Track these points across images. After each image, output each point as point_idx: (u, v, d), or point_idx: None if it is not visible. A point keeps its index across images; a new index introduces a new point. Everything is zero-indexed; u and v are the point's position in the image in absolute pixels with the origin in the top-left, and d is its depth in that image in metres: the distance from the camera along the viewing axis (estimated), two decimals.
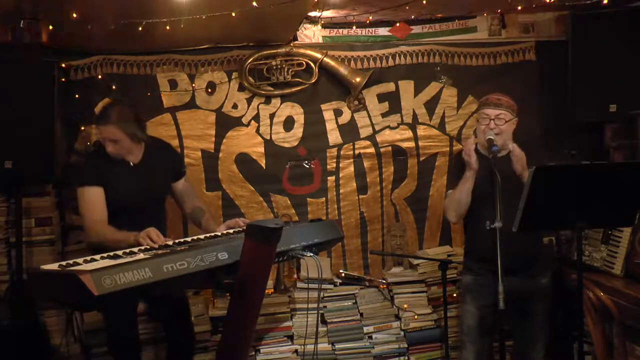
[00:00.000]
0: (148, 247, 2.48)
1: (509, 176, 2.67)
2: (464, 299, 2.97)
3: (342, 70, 3.85)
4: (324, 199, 3.98)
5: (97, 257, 2.22)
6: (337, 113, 3.96)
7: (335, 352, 3.57)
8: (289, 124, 3.93)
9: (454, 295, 3.62)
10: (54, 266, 2.12)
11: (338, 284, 3.71)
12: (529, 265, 2.82)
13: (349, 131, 3.96)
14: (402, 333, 3.65)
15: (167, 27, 3.13)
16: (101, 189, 2.87)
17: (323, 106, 3.94)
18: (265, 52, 3.81)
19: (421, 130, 3.99)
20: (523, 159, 2.74)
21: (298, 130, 3.93)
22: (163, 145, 3.22)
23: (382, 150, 3.98)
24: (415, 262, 3.80)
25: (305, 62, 3.83)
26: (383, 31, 3.94)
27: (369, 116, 3.96)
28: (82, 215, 2.90)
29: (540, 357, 2.89)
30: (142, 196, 2.93)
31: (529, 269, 2.83)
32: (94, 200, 2.85)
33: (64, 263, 2.12)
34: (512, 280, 2.48)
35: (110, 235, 2.73)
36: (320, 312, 3.56)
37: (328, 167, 3.97)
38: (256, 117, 3.90)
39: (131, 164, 2.98)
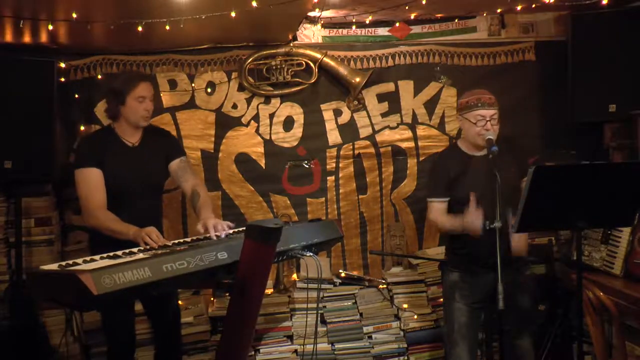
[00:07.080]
0: (147, 246, 2.48)
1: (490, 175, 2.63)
2: (452, 297, 2.92)
3: (342, 70, 3.85)
4: (323, 199, 3.98)
5: (97, 257, 2.22)
6: (337, 113, 3.96)
7: (335, 352, 3.57)
8: (288, 124, 3.93)
9: None
10: (53, 266, 2.12)
11: (338, 284, 3.70)
12: (512, 260, 2.79)
13: (349, 131, 3.96)
14: (402, 333, 3.65)
15: (167, 27, 3.13)
16: (100, 171, 2.80)
17: (323, 106, 3.94)
18: (265, 52, 3.82)
19: (421, 130, 3.99)
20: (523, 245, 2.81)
21: (298, 130, 3.93)
22: (161, 132, 3.16)
23: (381, 150, 3.98)
24: (415, 262, 3.80)
25: (304, 62, 3.83)
26: (383, 31, 3.94)
27: (369, 116, 3.96)
28: (81, 198, 2.81)
29: (528, 345, 2.89)
30: (140, 178, 2.88)
31: (513, 263, 2.81)
32: (92, 182, 2.78)
33: (63, 263, 2.12)
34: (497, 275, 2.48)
35: (109, 224, 2.70)
36: (319, 312, 3.56)
37: (328, 167, 3.97)
38: (256, 117, 3.90)
39: (130, 145, 2.93)
